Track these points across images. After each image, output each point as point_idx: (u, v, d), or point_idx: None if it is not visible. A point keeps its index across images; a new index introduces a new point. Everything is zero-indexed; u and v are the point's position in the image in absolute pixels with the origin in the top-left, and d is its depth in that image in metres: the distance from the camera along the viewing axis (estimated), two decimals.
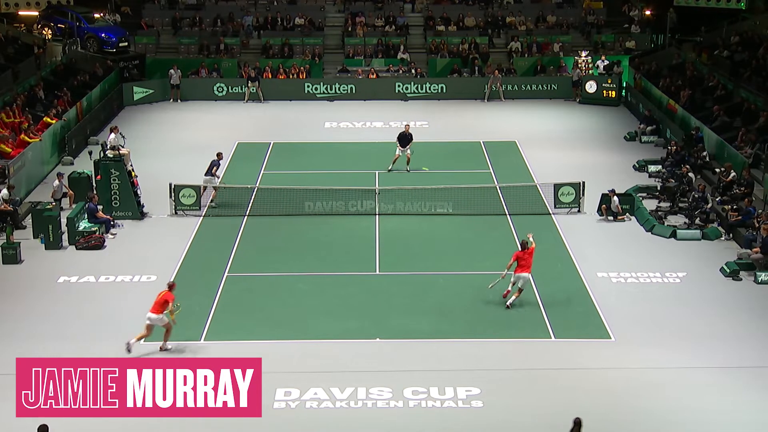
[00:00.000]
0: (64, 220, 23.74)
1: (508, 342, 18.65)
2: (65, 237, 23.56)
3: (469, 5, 44.73)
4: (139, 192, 25.80)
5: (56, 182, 26.15)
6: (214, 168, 26.53)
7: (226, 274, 21.88)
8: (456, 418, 15.95)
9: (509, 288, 20.05)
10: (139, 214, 25.42)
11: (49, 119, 30.36)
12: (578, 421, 14.16)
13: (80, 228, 23.61)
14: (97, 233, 23.56)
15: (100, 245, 23.41)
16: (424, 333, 18.99)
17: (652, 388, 16.75)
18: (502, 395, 16.58)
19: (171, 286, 18.26)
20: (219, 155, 27.02)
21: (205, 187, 26.30)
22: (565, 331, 19.03)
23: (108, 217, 24.43)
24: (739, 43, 36.58)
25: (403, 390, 16.59)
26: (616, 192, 25.39)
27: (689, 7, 42.38)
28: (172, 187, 25.60)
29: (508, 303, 19.93)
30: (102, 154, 25.68)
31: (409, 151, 28.82)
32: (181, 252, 23.13)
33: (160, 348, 17.98)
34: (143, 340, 17.86)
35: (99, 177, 25.53)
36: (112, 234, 24.17)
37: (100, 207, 24.36)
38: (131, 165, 26.37)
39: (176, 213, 25.64)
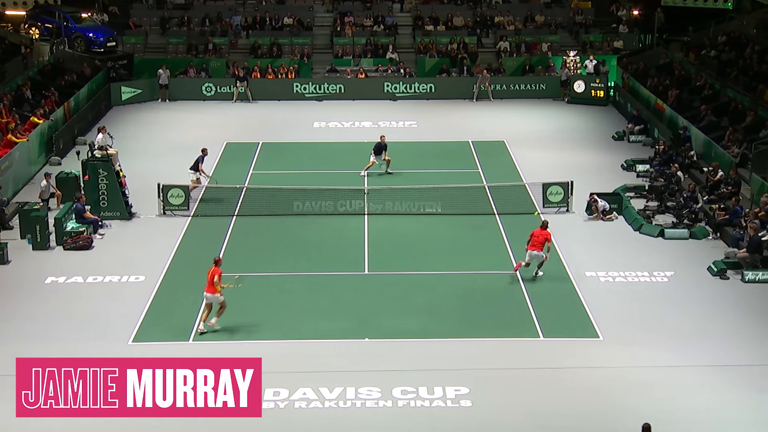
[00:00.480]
0: (51, 221, 23.65)
1: (497, 341, 18.67)
2: (53, 237, 23.47)
3: (458, 5, 44.79)
4: (127, 192, 25.75)
5: (44, 182, 26.06)
6: (200, 164, 26.66)
7: None
8: (445, 417, 15.97)
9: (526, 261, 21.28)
10: (127, 214, 25.35)
11: (36, 119, 30.25)
12: (647, 426, 13.98)
13: (68, 228, 23.53)
14: (85, 233, 23.48)
15: (87, 245, 23.33)
16: (413, 333, 19.00)
17: (640, 387, 16.81)
18: (490, 394, 16.60)
19: (217, 262, 18.62)
20: (204, 151, 27.20)
21: (195, 185, 26.44)
22: (553, 330, 19.07)
23: (96, 217, 24.35)
24: (726, 43, 36.75)
25: (392, 390, 16.60)
26: (600, 195, 25.50)
27: (677, 7, 42.49)
28: (161, 187, 25.55)
29: (532, 271, 21.29)
30: (90, 154, 25.61)
31: (386, 156, 28.79)
32: (170, 252, 23.08)
33: (210, 324, 18.54)
34: (209, 318, 18.67)
35: (87, 177, 25.45)
36: (100, 234, 24.10)
37: (87, 207, 24.30)
38: (119, 165, 26.32)
39: (165, 213, 25.59)
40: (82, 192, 25.10)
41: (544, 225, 21.36)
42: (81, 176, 26.14)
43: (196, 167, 26.69)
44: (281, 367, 17.30)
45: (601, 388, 16.82)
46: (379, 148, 28.76)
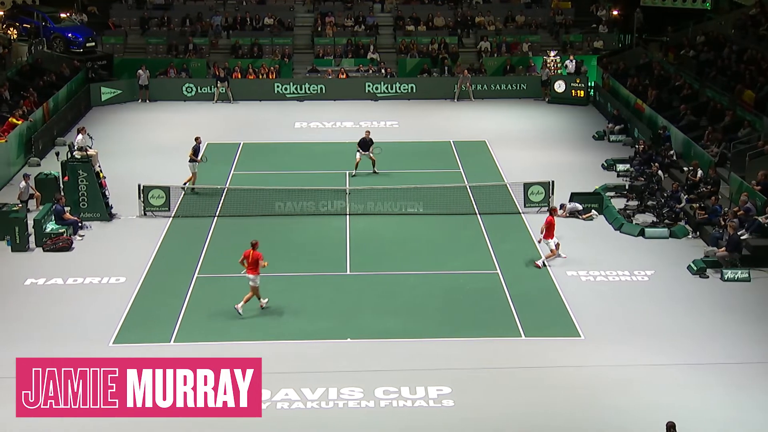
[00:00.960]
0: (30, 222, 23.49)
1: (479, 341, 18.71)
2: (32, 239, 23.31)
3: (439, 5, 44.86)
4: (107, 193, 25.63)
5: (22, 184, 25.88)
6: (198, 153, 27.04)
7: (195, 275, 21.77)
8: (427, 417, 15.98)
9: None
10: (107, 215, 25.23)
11: (15, 120, 30.03)
12: (671, 424, 14.05)
13: (47, 230, 23.38)
14: (65, 235, 23.33)
15: (67, 247, 23.19)
16: (395, 333, 19.01)
17: (620, 385, 16.90)
18: (472, 394, 16.64)
19: (254, 245, 19.41)
20: (197, 139, 27.43)
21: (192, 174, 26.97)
22: (535, 329, 19.13)
23: (75, 218, 24.20)
24: (705, 43, 37.01)
25: (374, 390, 16.60)
26: (579, 194, 25.73)
27: (655, 7, 42.82)
28: (141, 188, 25.44)
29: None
30: (69, 155, 25.47)
31: (372, 153, 28.80)
32: (151, 253, 22.98)
33: (236, 307, 19.38)
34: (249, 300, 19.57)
35: (66, 178, 25.31)
36: (80, 236, 23.95)
37: (67, 209, 24.14)
38: (99, 166, 26.18)
39: (145, 214, 25.48)
40: (62, 193, 24.94)
41: (552, 211, 22.44)
42: (61, 177, 25.99)
43: (193, 158, 27.02)
44: (263, 368, 17.20)
45: (583, 387, 16.89)
46: (364, 144, 28.78)
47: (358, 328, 19.21)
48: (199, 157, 27.26)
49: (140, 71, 38.47)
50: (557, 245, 22.18)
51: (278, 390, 16.43)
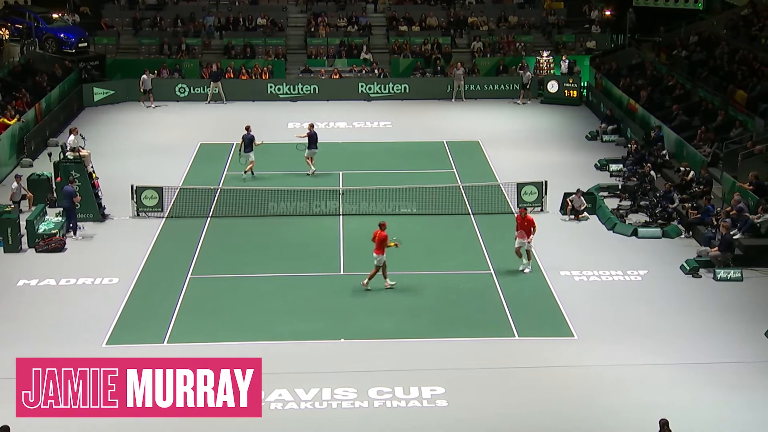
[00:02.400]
0: (23, 223, 23.44)
1: (472, 341, 18.73)
2: (24, 240, 23.26)
3: (432, 5, 44.88)
4: (100, 194, 25.58)
5: (15, 184, 25.83)
6: (253, 142, 27.98)
7: (189, 275, 21.74)
8: (421, 417, 16.00)
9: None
10: (100, 216, 25.18)
11: (6, 120, 29.95)
12: (664, 421, 14.11)
13: (40, 230, 23.33)
14: (58, 236, 23.28)
15: (60, 248, 23.14)
16: (389, 333, 19.02)
17: (614, 386, 16.94)
18: (466, 394, 16.65)
19: (382, 226, 20.62)
20: (248, 128, 28.28)
21: (251, 161, 28.10)
22: (528, 329, 19.16)
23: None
24: (697, 43, 37.11)
25: (368, 390, 16.61)
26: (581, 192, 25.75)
27: (648, 7, 42.92)
28: (134, 188, 25.40)
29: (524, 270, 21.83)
30: (62, 156, 25.42)
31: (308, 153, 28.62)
32: (144, 254, 22.94)
33: (386, 286, 20.68)
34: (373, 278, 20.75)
35: (59, 179, 25.25)
36: (72, 236, 23.89)
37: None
38: (92, 166, 26.14)
39: (138, 214, 25.44)
40: (54, 193, 24.88)
41: (522, 210, 22.27)
42: (53, 178, 25.93)
43: (250, 147, 27.87)
44: None
45: (576, 387, 16.92)
46: (313, 139, 28.69)
47: (352, 329, 19.21)
48: (258, 142, 28.22)
49: (144, 76, 37.77)
50: (517, 250, 21.88)
51: (272, 390, 16.41)
